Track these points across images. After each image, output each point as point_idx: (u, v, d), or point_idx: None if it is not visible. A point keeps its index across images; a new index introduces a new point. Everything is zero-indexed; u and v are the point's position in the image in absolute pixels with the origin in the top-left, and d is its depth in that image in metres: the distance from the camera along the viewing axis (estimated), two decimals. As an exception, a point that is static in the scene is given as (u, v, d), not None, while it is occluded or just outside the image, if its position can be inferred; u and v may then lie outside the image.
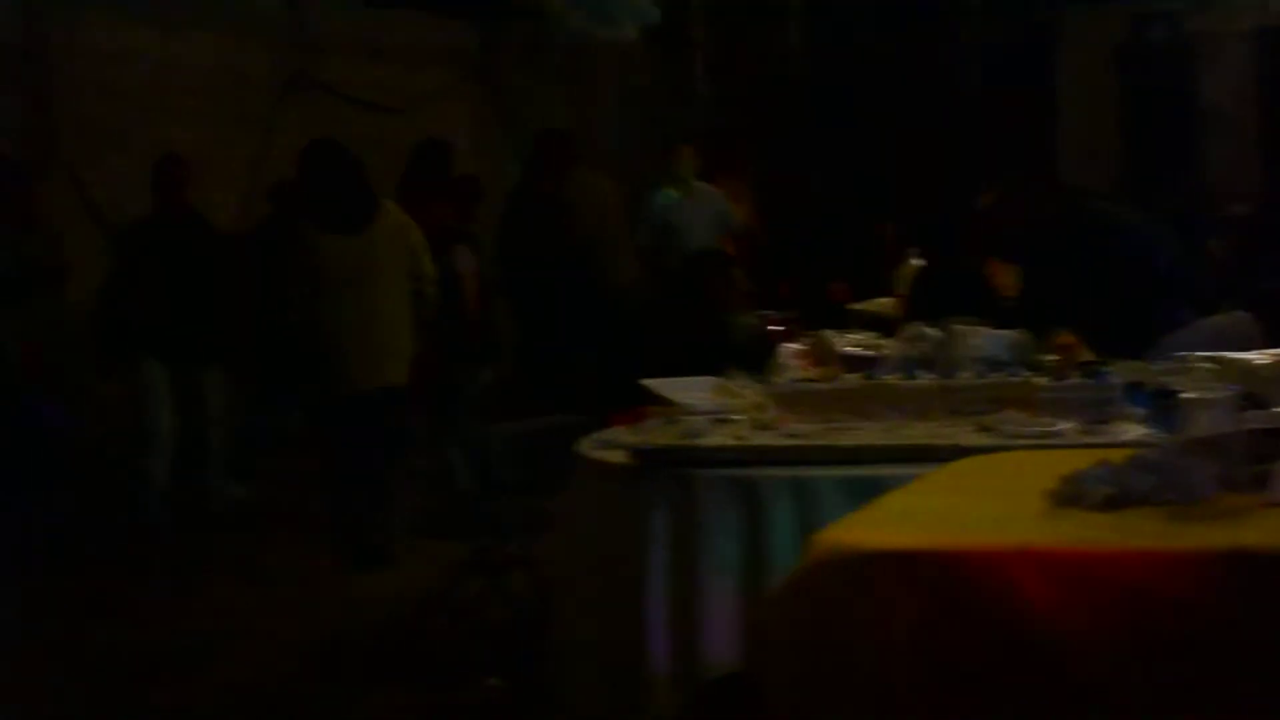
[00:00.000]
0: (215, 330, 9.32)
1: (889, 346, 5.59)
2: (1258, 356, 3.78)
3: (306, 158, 8.22)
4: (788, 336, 6.55)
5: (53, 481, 8.46)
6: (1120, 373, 4.82)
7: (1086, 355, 5.25)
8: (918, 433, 4.85)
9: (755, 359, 5.81)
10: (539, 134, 10.91)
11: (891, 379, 5.24)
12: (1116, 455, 3.21)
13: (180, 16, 11.21)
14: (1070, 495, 3.06)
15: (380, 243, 7.93)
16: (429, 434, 8.83)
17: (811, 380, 5.38)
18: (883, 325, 7.00)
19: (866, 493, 4.35)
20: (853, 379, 5.31)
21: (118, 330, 8.87)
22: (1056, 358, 5.22)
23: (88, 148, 10.61)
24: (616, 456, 4.81)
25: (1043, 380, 5.03)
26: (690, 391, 5.37)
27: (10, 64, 10.12)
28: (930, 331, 5.48)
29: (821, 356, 5.59)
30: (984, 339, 5.40)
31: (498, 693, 5.95)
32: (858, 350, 5.58)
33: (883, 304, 9.07)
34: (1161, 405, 4.21)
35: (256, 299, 9.37)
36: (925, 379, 5.20)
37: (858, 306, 9.57)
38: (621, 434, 5.10)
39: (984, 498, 3.28)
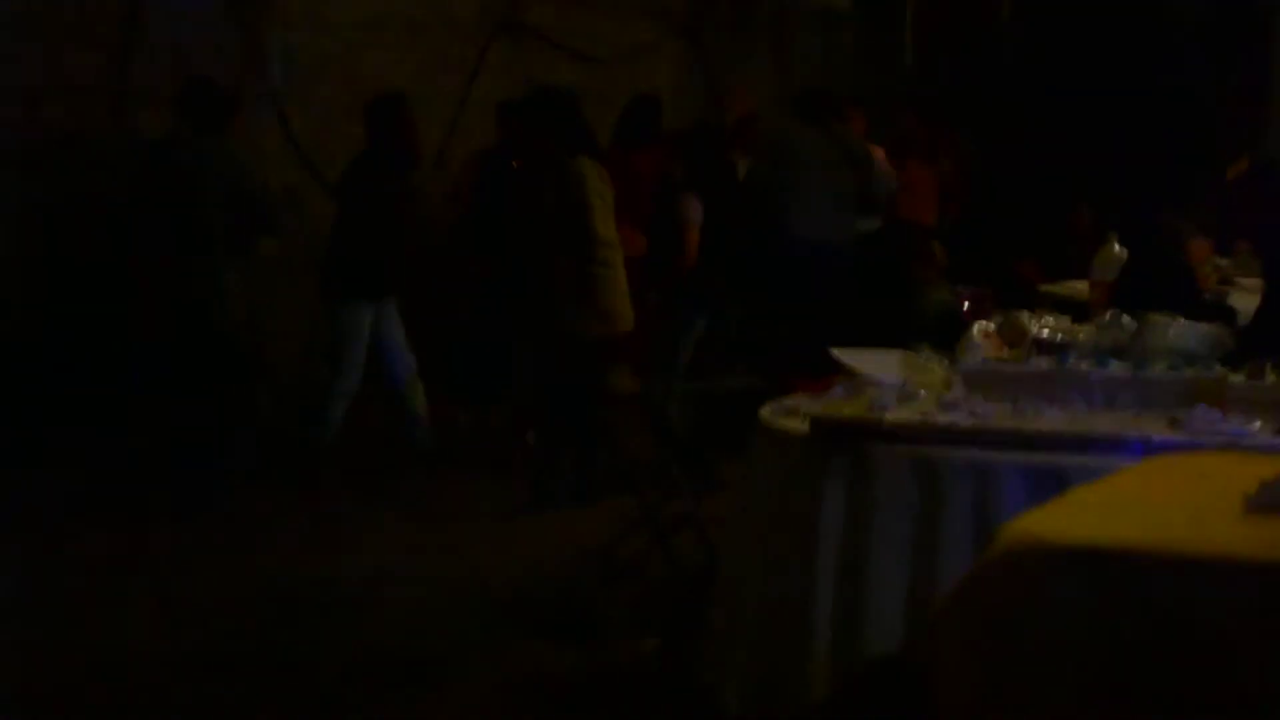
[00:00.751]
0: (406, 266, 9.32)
1: (1083, 332, 5.48)
2: None
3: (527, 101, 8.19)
4: (980, 314, 6.44)
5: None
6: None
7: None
8: (1105, 422, 4.74)
9: (946, 335, 5.73)
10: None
11: (1083, 365, 5.14)
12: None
13: (397, -46, 11.34)
14: (1266, 502, 2.97)
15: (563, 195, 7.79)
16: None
17: (1001, 361, 5.30)
18: (1074, 308, 6.87)
19: (1048, 480, 4.30)
20: (1043, 362, 5.21)
21: (345, 271, 8.82)
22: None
23: (296, 81, 10.76)
24: (798, 425, 4.76)
25: (1238, 378, 4.90)
26: (878, 363, 5.31)
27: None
28: (1126, 320, 5.37)
29: (1013, 337, 5.49)
30: (1180, 331, 5.27)
31: (653, 653, 5.95)
32: (1050, 334, 5.47)
33: (1075, 287, 8.90)
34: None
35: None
36: (1117, 368, 5.10)
37: (1049, 288, 9.41)
38: (805, 402, 5.05)
39: (1177, 499, 3.20)
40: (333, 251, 8.86)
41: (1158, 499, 3.21)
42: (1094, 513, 3.10)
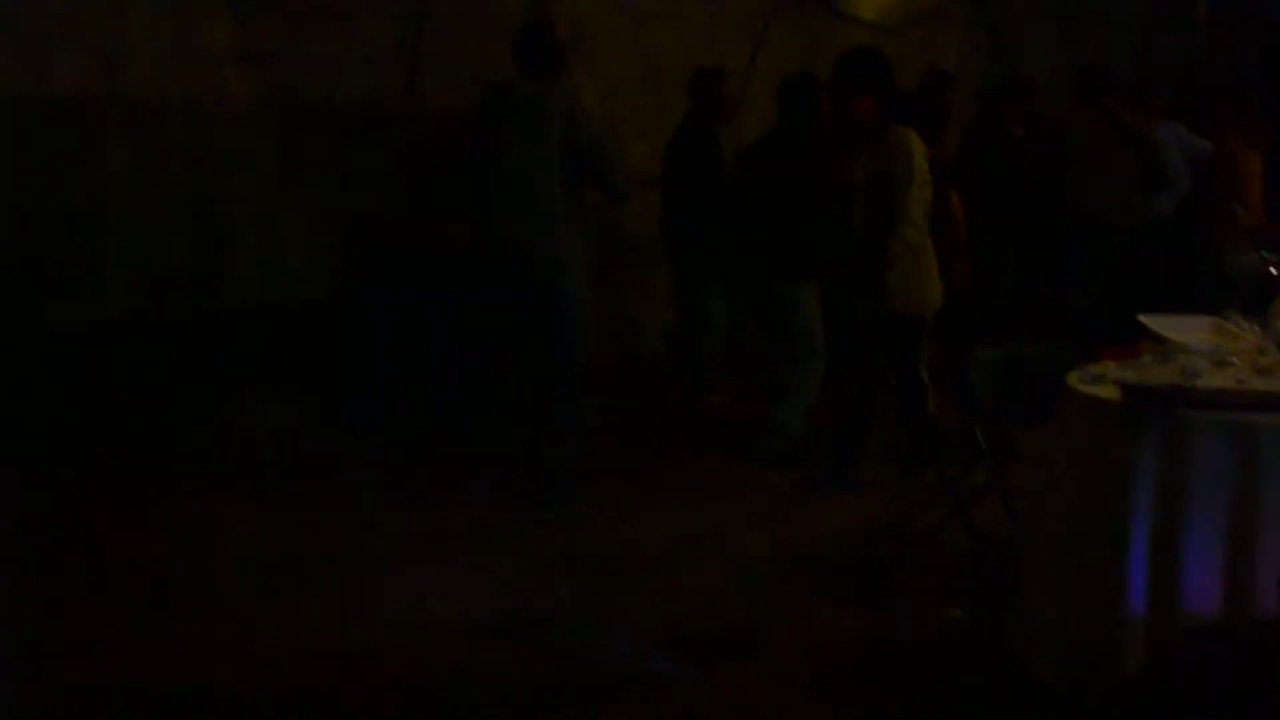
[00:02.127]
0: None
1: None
2: None
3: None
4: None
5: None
6: None
7: None
8: None
9: (1256, 300, 5.58)
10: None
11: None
12: None
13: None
14: None
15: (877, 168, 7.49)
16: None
17: (1316, 327, 5.15)
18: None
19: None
20: (1359, 329, 5.06)
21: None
22: None
23: (583, 54, 10.84)
24: (1107, 392, 4.68)
25: None
26: (1188, 330, 5.20)
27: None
28: None
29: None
30: None
31: (958, 624, 5.90)
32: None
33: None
34: None
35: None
36: None
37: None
38: (1113, 369, 4.96)
39: None
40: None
41: None
42: None
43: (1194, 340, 5.13)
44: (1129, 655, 4.41)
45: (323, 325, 9.25)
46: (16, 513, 7.20)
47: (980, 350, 6.38)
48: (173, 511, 7.45)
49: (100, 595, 6.25)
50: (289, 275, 9.51)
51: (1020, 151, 10.79)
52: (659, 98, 11.07)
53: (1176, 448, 4.41)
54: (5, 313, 8.30)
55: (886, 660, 5.53)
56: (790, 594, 6.30)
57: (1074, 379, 4.94)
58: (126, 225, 8.87)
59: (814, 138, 8.32)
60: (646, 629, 5.93)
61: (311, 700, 5.26)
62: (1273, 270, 7.06)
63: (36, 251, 8.59)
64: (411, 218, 9.53)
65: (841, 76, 7.37)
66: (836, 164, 7.36)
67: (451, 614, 6.10)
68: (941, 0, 13.37)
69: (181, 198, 9.09)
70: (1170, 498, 4.39)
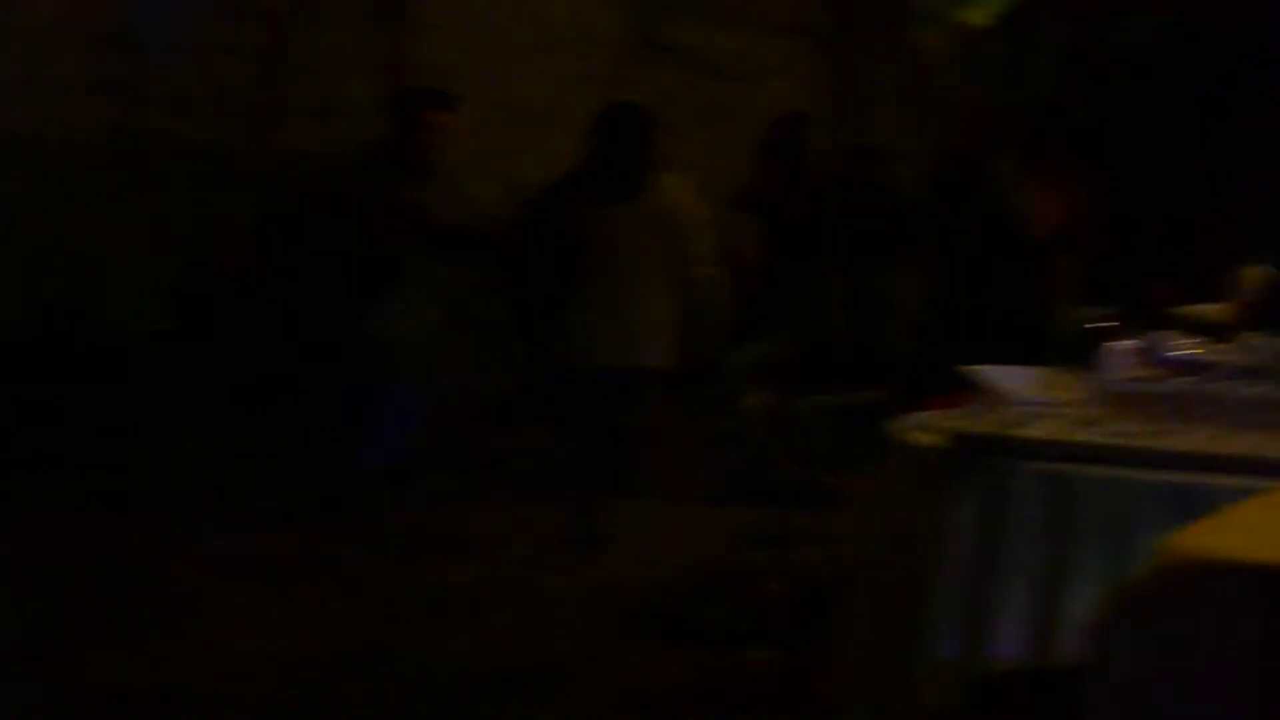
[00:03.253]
0: None
1: (1223, 353, 5.41)
2: None
3: (599, 118, 7.96)
4: (1113, 334, 6.39)
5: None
6: None
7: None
8: (1245, 443, 4.68)
9: (1078, 353, 5.68)
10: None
11: (1224, 386, 5.08)
12: None
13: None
14: None
15: (644, 218, 7.63)
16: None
17: (1140, 380, 5.24)
18: (1207, 330, 6.79)
19: (1186, 500, 4.24)
20: (1183, 383, 5.16)
21: None
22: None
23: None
24: (931, 440, 4.74)
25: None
26: (1014, 381, 5.28)
27: (370, 4, 10.39)
28: (1270, 341, 5.30)
29: (1153, 357, 5.44)
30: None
31: (772, 666, 5.95)
32: (1190, 354, 5.41)
33: (1209, 309, 8.79)
34: None
35: None
36: (1258, 388, 5.03)
37: (1182, 310, 9.30)
38: (938, 418, 5.03)
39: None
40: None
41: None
42: (1258, 531, 3.05)
43: (1020, 391, 5.22)
44: (939, 698, 4.47)
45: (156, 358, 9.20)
46: None
47: (804, 399, 6.47)
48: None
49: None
50: (125, 307, 9.42)
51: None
52: (511, 141, 11.13)
53: (995, 496, 4.46)
54: None
55: (697, 702, 5.57)
56: (605, 635, 6.32)
57: (899, 426, 5.01)
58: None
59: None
60: (455, 668, 5.92)
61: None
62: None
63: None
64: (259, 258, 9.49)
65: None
66: None
67: (253, 649, 6.06)
68: (794, 51, 13.52)
69: (17, 229, 8.98)
70: (986, 544, 4.44)
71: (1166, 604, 2.84)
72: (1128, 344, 5.59)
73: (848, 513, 6.27)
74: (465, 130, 10.71)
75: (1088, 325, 7.26)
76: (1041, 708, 4.01)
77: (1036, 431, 4.74)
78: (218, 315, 9.37)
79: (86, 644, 6.04)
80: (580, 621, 6.48)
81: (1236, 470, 4.31)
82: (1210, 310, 8.70)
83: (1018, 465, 4.47)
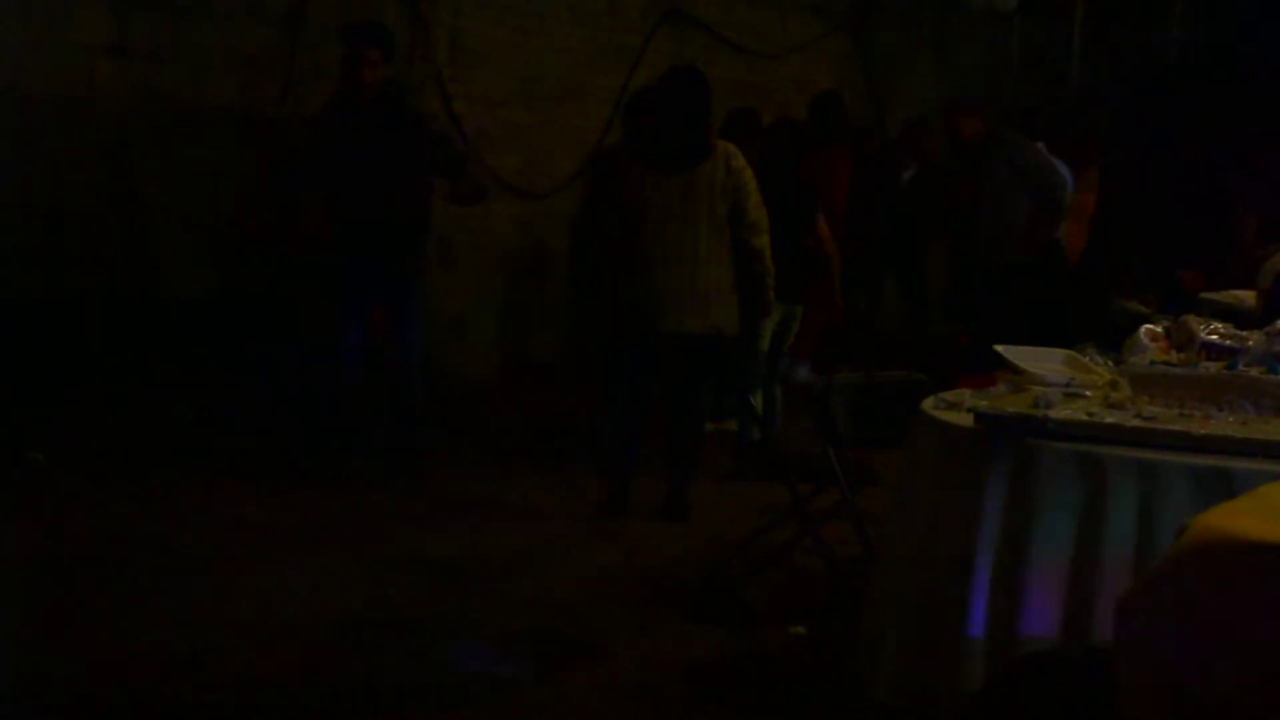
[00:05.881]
0: None
1: (1253, 338, 5.39)
2: None
3: (661, 83, 7.92)
4: (1143, 318, 6.38)
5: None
6: None
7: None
8: (1273, 428, 4.67)
9: (1113, 337, 5.67)
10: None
11: (1253, 371, 5.07)
12: None
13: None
14: None
15: (704, 185, 7.54)
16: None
17: (1169, 364, 5.23)
18: (1235, 317, 6.77)
19: (1214, 483, 4.24)
20: (1212, 367, 5.15)
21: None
22: None
23: (458, 64, 10.85)
24: (961, 419, 4.74)
25: None
26: (1043, 362, 5.28)
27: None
28: (1298, 327, 5.29)
29: (1181, 341, 5.43)
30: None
31: (800, 642, 5.94)
32: (1220, 339, 5.40)
33: (1237, 296, 8.77)
34: None
35: None
36: (1288, 375, 5.01)
37: (1212, 296, 9.29)
38: (968, 397, 5.02)
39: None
40: None
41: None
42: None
43: (1048, 372, 5.21)
44: (967, 677, 4.46)
45: (174, 322, 9.23)
46: None
47: (840, 375, 6.45)
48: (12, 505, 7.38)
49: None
50: (149, 270, 9.44)
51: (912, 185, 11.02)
52: (535, 113, 11.13)
53: (1025, 476, 4.46)
54: None
55: (726, 677, 5.57)
56: (635, 608, 6.31)
57: (929, 405, 5.00)
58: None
59: None
60: (487, 635, 5.93)
61: (142, 700, 5.16)
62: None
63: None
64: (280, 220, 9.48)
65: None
66: None
67: (292, 614, 6.07)
68: (817, 30, 13.51)
69: (44, 189, 8.99)
70: (1016, 525, 4.44)
71: (1195, 584, 2.84)
72: (1157, 327, 5.58)
73: (879, 490, 6.24)
74: (491, 101, 10.76)
75: (1119, 309, 7.26)
76: (1072, 686, 4.00)
77: (1066, 413, 4.73)
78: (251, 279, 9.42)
79: (109, 603, 6.05)
80: (619, 594, 6.48)
81: (1261, 454, 4.30)
82: (1237, 298, 8.68)
83: (1048, 446, 4.47)
